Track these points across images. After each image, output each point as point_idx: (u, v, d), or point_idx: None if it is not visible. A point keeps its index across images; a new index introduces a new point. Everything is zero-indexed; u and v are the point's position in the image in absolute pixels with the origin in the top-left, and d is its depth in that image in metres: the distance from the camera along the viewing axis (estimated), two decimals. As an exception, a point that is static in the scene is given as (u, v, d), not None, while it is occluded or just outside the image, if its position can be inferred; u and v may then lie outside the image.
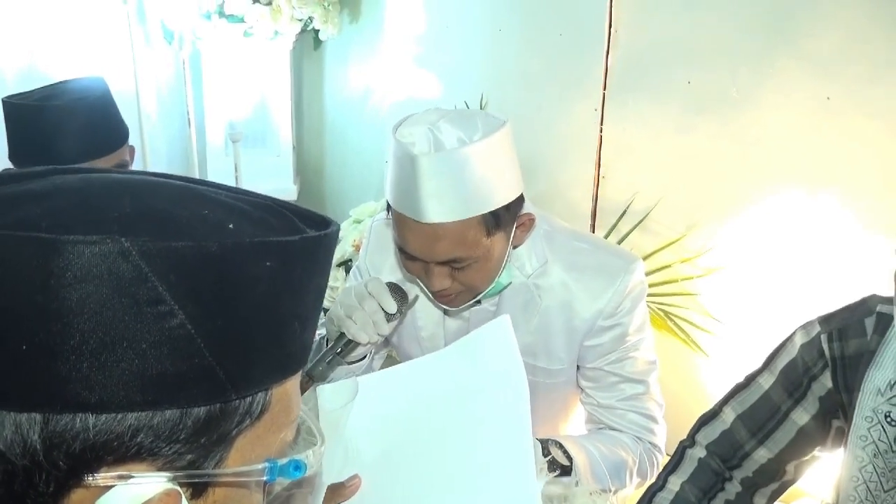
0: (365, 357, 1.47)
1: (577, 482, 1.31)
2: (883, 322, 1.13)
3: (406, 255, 1.38)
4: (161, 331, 0.48)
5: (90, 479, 0.50)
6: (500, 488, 1.01)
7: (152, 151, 3.33)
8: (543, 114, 2.71)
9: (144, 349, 0.48)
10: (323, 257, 0.59)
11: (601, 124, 2.59)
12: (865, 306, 1.18)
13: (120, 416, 0.49)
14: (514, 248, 1.44)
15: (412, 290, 1.46)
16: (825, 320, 1.22)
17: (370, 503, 1.05)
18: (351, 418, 1.12)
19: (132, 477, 0.50)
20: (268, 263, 0.52)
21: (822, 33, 2.09)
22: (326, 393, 1.15)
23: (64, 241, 0.45)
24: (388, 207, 1.39)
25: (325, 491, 0.96)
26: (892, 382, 1.09)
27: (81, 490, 0.50)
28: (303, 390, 1.31)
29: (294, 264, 0.54)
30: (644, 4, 2.44)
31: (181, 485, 0.52)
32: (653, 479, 1.49)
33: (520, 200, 1.37)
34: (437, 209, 1.26)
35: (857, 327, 1.16)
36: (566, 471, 1.32)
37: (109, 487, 0.50)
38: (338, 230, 0.60)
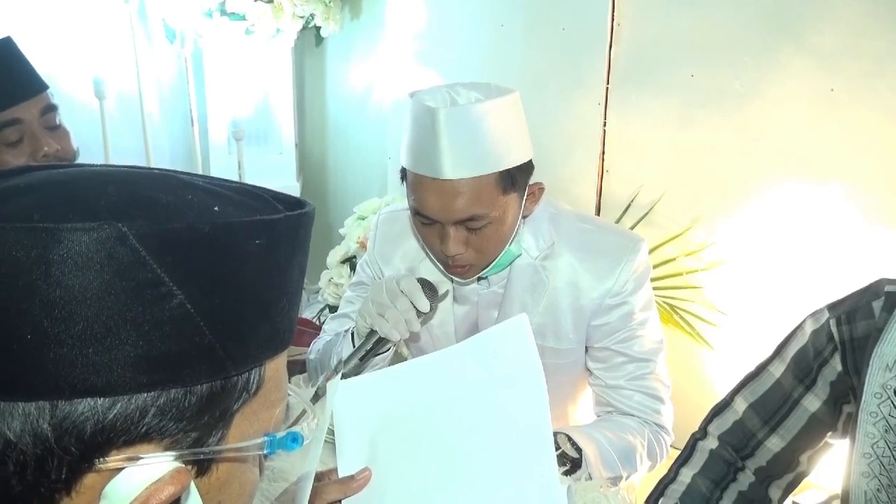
0: (390, 349, 1.48)
1: (588, 475, 1.32)
2: (891, 301, 1.14)
3: (422, 220, 1.40)
4: (162, 312, 0.49)
5: (101, 463, 0.50)
6: (524, 487, 1.01)
7: (155, 150, 3.34)
8: (546, 109, 2.71)
9: (147, 331, 0.49)
10: (303, 236, 0.60)
11: (604, 119, 2.59)
12: (873, 290, 1.18)
13: (127, 397, 0.50)
14: (524, 217, 1.46)
15: (442, 285, 1.48)
16: (834, 306, 1.23)
17: (382, 498, 1.05)
18: (366, 414, 1.12)
19: (141, 458, 0.51)
20: (256, 242, 0.53)
21: (825, 26, 2.09)
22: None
23: (62, 230, 0.46)
24: (403, 178, 1.42)
25: (311, 484, 0.96)
26: None
27: (93, 474, 0.51)
28: None
29: (279, 242, 0.56)
30: (646, -2, 2.44)
31: (186, 463, 0.53)
32: (662, 461, 1.50)
33: (531, 166, 1.41)
34: (456, 165, 1.30)
35: (866, 309, 1.17)
36: (576, 463, 1.33)
37: (120, 470, 0.51)
38: (314, 211, 0.62)
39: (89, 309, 0.47)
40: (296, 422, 0.64)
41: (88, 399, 0.49)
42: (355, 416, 1.12)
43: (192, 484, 0.54)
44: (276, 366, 0.60)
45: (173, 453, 0.52)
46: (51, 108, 1.72)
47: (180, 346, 0.50)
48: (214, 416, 0.54)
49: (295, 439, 0.60)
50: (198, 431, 0.53)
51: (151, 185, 0.55)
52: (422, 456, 1.06)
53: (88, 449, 0.50)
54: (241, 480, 0.60)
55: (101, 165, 0.59)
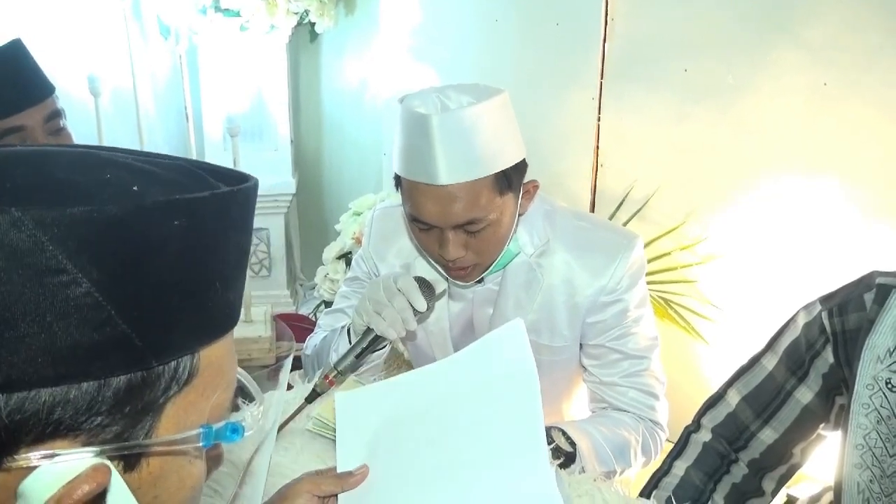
0: (387, 346, 1.48)
1: (581, 468, 1.32)
2: (882, 293, 1.15)
3: (420, 226, 1.39)
4: (66, 301, 0.46)
5: (10, 461, 0.48)
6: (520, 489, 1.02)
7: (150, 146, 3.33)
8: (541, 104, 2.72)
9: (50, 322, 0.46)
10: (239, 214, 0.56)
11: (599, 114, 2.60)
12: (865, 282, 1.19)
13: (33, 393, 0.47)
14: (520, 215, 1.46)
15: (439, 283, 1.48)
16: (826, 299, 1.24)
17: (379, 496, 1.06)
18: (366, 422, 1.14)
19: (56, 455, 0.48)
20: (176, 223, 0.50)
21: (817, 20, 2.10)
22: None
23: None
24: (397, 185, 1.41)
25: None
26: (892, 349, 1.10)
27: (2, 474, 0.48)
28: (332, 383, 1.33)
29: (206, 222, 0.52)
30: (640, -7, 2.45)
31: (111, 458, 0.50)
32: (657, 457, 1.51)
33: (525, 165, 1.41)
34: (451, 170, 1.29)
35: (857, 302, 1.18)
36: (570, 457, 1.34)
37: (34, 468, 0.48)
38: (254, 186, 0.58)
39: None
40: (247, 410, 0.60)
41: None
42: (356, 426, 1.14)
43: (119, 479, 0.51)
44: (215, 352, 0.57)
45: (93, 449, 0.49)
46: (56, 114, 1.71)
47: (90, 338, 0.47)
48: (137, 408, 0.51)
49: (235, 430, 0.57)
50: (118, 425, 0.50)
51: (67, 165, 0.52)
52: (419, 457, 1.08)
53: None
54: (181, 474, 0.57)
55: (18, 146, 0.56)
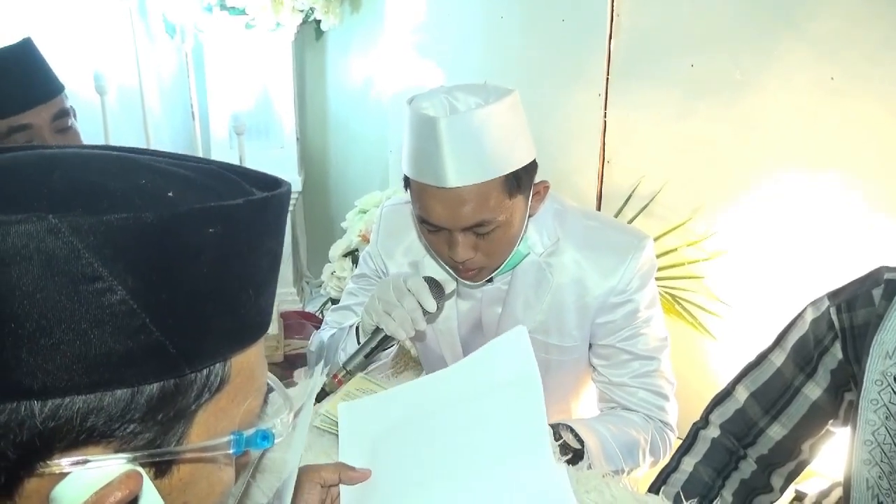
0: (395, 345, 1.48)
1: (589, 465, 1.32)
2: (890, 288, 1.14)
3: (429, 227, 1.38)
4: (101, 308, 0.46)
5: (43, 467, 0.48)
6: (524, 486, 1.03)
7: (156, 145, 3.34)
8: (546, 100, 2.71)
9: (85, 329, 0.45)
10: (273, 220, 0.56)
11: (605, 110, 2.59)
12: (873, 278, 1.19)
13: (67, 400, 0.47)
14: (530, 216, 1.45)
15: (448, 283, 1.47)
16: (834, 294, 1.24)
17: (382, 497, 1.07)
18: (370, 430, 1.15)
19: (89, 461, 0.48)
20: (211, 230, 0.49)
21: (823, 15, 2.09)
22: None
23: None
24: (406, 185, 1.40)
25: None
26: None
27: (35, 479, 0.48)
28: (340, 383, 1.33)
29: (240, 229, 0.52)
30: (646, -11, 2.44)
31: (142, 465, 0.50)
32: (666, 458, 1.50)
33: (535, 165, 1.39)
34: (460, 173, 1.28)
35: (866, 297, 1.17)
36: (578, 454, 1.33)
37: (66, 474, 0.48)
38: (288, 191, 0.57)
39: (19, 307, 0.44)
40: (273, 417, 0.60)
41: (24, 402, 0.46)
42: (359, 435, 1.16)
43: (151, 486, 0.51)
44: (246, 359, 0.57)
45: (125, 455, 0.49)
46: (63, 113, 1.71)
47: (124, 345, 0.47)
48: (169, 415, 0.51)
49: (265, 437, 0.57)
50: (151, 432, 0.50)
51: (103, 169, 0.52)
52: (423, 460, 1.08)
53: (27, 453, 0.47)
54: (210, 480, 0.57)
55: (55, 147, 0.56)
